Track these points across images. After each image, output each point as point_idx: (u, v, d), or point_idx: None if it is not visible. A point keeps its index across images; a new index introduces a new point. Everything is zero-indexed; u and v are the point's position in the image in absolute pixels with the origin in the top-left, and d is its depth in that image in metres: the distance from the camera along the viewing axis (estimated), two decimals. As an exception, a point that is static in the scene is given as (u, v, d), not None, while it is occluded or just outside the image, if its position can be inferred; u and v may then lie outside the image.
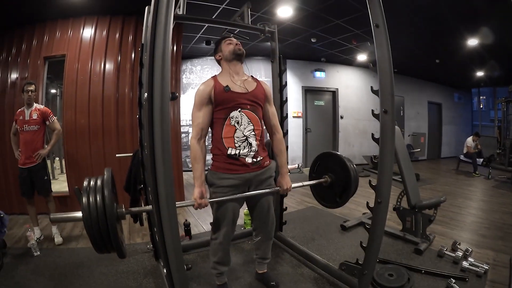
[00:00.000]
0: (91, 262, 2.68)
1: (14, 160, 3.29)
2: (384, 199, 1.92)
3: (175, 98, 1.40)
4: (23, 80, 3.86)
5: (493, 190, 5.47)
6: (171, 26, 1.37)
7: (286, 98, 2.85)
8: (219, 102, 1.85)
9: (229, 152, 1.86)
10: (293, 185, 2.14)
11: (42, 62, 4.17)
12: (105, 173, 1.43)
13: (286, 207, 3.05)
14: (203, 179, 1.84)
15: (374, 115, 1.90)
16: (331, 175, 2.27)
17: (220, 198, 1.87)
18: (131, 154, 2.58)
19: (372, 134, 1.95)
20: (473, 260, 2.45)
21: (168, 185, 1.37)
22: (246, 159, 1.88)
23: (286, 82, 2.78)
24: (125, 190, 2.50)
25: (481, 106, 11.57)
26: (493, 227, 3.42)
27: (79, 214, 1.30)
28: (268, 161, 2.04)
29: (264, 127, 2.06)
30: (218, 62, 2.05)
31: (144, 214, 2.41)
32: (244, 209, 3.24)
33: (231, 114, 1.86)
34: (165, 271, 1.52)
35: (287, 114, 2.79)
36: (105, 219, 1.28)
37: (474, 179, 6.62)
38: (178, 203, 1.62)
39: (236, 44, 1.98)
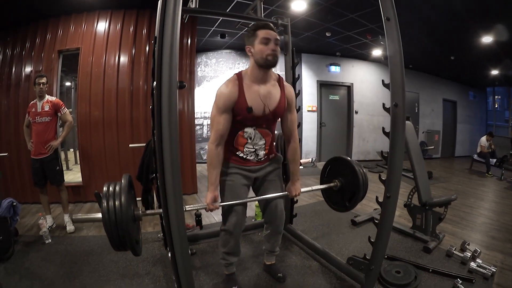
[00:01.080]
0: (101, 250, 2.74)
1: (28, 151, 3.36)
2: (393, 193, 1.92)
3: (183, 86, 1.41)
4: (37, 73, 3.92)
5: (506, 192, 5.35)
6: (179, 15, 1.38)
7: (299, 91, 2.86)
8: (238, 118, 1.86)
9: (237, 153, 1.95)
10: (303, 189, 2.16)
11: (56, 56, 4.24)
12: (123, 179, 1.53)
13: (297, 200, 3.06)
14: (217, 184, 1.88)
15: (385, 108, 1.89)
16: (341, 180, 2.28)
17: (230, 202, 1.91)
18: (144, 144, 2.62)
19: (383, 128, 1.94)
20: (481, 262, 2.41)
21: (175, 166, 1.41)
22: (252, 160, 1.99)
23: (299, 75, 2.78)
24: (137, 179, 2.54)
25: (496, 106, 11.31)
26: (503, 229, 3.36)
27: (99, 215, 1.42)
28: (273, 155, 2.09)
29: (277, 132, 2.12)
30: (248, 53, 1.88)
31: (155, 204, 2.46)
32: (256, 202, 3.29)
33: (246, 129, 1.91)
34: (169, 254, 1.55)
35: (299, 107, 2.80)
36: (122, 222, 1.39)
37: (487, 180, 6.51)
38: (189, 207, 1.69)
39: (273, 49, 1.77)
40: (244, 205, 2.00)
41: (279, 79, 1.98)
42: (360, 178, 2.15)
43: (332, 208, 2.44)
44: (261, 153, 1.98)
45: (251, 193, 2.10)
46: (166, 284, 2.25)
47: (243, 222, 2.02)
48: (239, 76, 1.86)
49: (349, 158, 2.28)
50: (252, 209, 3.64)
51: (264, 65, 1.80)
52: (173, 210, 1.46)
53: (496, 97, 11.26)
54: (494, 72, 8.59)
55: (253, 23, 1.83)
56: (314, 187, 2.25)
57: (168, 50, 1.36)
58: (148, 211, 1.64)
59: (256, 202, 3.16)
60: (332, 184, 2.27)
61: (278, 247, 2.33)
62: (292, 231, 3.04)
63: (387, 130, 1.91)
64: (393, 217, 2.00)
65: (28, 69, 4.18)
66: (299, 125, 2.24)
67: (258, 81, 1.86)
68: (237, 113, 1.83)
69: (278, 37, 1.79)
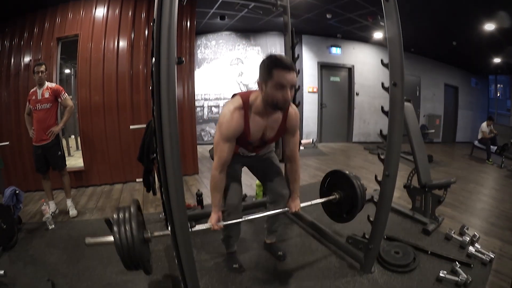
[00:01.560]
0: (104, 233, 2.73)
1: (29, 140, 3.37)
2: (392, 172, 1.93)
3: (181, 62, 1.41)
4: (36, 61, 3.90)
5: (506, 180, 5.34)
6: None
7: (299, 70, 2.85)
8: (238, 144, 1.89)
9: None
10: (303, 204, 2.16)
11: (55, 43, 4.22)
12: (132, 206, 1.59)
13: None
14: (220, 206, 1.93)
15: (384, 88, 1.89)
16: (340, 192, 2.30)
17: (232, 221, 1.96)
18: (145, 125, 2.63)
19: (382, 107, 1.95)
20: (479, 247, 2.41)
21: (173, 135, 1.41)
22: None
23: (298, 55, 2.77)
24: (138, 160, 2.56)
25: (498, 95, 11.24)
26: (502, 216, 3.34)
27: (111, 238, 1.50)
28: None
29: None
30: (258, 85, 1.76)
31: (157, 184, 2.48)
32: (256, 180, 3.30)
33: (241, 149, 2.01)
34: (169, 229, 1.58)
35: (299, 86, 2.79)
36: (134, 247, 1.48)
37: (487, 167, 6.49)
38: (195, 228, 1.71)
39: (286, 99, 1.64)
40: (240, 185, 2.08)
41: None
42: (358, 192, 2.18)
43: (330, 218, 2.47)
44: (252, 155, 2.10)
45: (252, 181, 2.12)
46: (168, 264, 2.29)
47: (240, 205, 2.08)
48: (245, 104, 1.78)
49: (347, 172, 2.30)
50: (253, 189, 3.67)
51: (273, 108, 1.72)
52: (172, 186, 1.46)
53: (498, 85, 11.19)
54: (497, 60, 8.53)
55: (271, 57, 1.64)
56: (314, 201, 2.26)
57: (166, 27, 1.35)
58: (156, 233, 1.68)
59: (258, 181, 3.18)
60: (331, 197, 2.30)
61: (279, 225, 2.37)
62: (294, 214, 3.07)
63: (387, 109, 1.92)
64: (392, 195, 2.02)
65: (27, 58, 4.16)
66: (299, 104, 2.24)
67: (264, 114, 1.81)
68: (238, 144, 1.89)
69: (295, 80, 1.65)
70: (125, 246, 1.46)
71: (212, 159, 1.92)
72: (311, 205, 2.22)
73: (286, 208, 2.11)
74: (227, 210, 2.00)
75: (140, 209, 1.68)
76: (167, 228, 2.56)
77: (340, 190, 2.29)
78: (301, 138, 2.45)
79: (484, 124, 7.40)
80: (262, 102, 1.74)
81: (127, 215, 1.54)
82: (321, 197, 2.38)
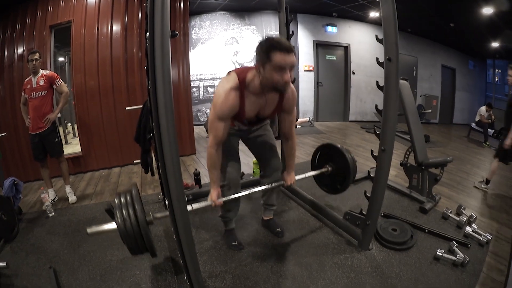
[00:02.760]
0: (103, 216, 2.72)
1: (26, 130, 3.35)
2: (388, 147, 1.94)
3: (175, 35, 1.39)
4: (30, 50, 3.85)
5: (502, 164, 5.37)
6: None
7: (294, 47, 2.83)
8: (234, 120, 1.93)
9: None
10: (297, 177, 2.19)
11: (48, 31, 4.14)
12: (133, 189, 1.57)
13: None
14: (219, 183, 1.94)
15: (378, 63, 1.89)
16: (332, 165, 2.33)
17: (231, 196, 1.96)
18: (141, 106, 2.61)
19: (377, 82, 1.95)
20: (476, 227, 2.42)
21: (169, 111, 1.39)
22: None
23: (293, 31, 2.76)
24: (135, 141, 2.55)
25: (496, 80, 11.19)
26: (499, 199, 3.33)
27: (113, 226, 1.48)
28: None
29: None
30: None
31: (154, 164, 2.48)
32: (253, 159, 3.30)
33: (236, 122, 2.01)
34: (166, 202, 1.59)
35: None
36: (139, 230, 1.46)
37: (484, 149, 6.48)
38: (196, 205, 1.74)
39: (286, 81, 1.60)
40: (238, 160, 2.11)
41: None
42: (349, 160, 2.21)
43: (324, 191, 2.50)
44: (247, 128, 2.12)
45: (249, 159, 2.12)
46: (168, 244, 2.32)
47: (238, 175, 2.12)
48: (241, 83, 1.73)
49: (338, 145, 2.33)
50: (250, 167, 3.69)
51: (271, 90, 1.71)
52: (170, 165, 1.46)
53: (496, 70, 11.13)
54: (495, 44, 8.47)
55: (269, 39, 1.61)
56: (308, 174, 2.30)
57: (159, 2, 1.33)
58: (158, 215, 1.66)
59: (254, 159, 3.19)
60: (323, 170, 2.33)
61: (276, 200, 2.39)
62: (289, 187, 3.07)
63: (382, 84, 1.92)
64: (388, 170, 2.03)
65: (20, 49, 4.08)
66: (295, 80, 2.22)
67: (261, 94, 1.79)
68: (234, 121, 1.94)
69: (295, 61, 1.62)
70: (129, 231, 1.45)
71: (207, 132, 1.93)
72: (305, 177, 2.26)
73: (282, 182, 2.14)
74: (227, 185, 2.03)
75: (139, 193, 1.68)
76: (166, 209, 2.60)
77: (331, 163, 2.33)
78: (298, 116, 2.44)
79: (483, 108, 7.39)
80: (259, 84, 1.69)
81: (128, 199, 1.53)
82: (314, 177, 2.41)
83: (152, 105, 1.42)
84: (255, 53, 1.65)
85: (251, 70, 1.74)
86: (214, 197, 1.86)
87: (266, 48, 1.57)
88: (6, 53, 4.05)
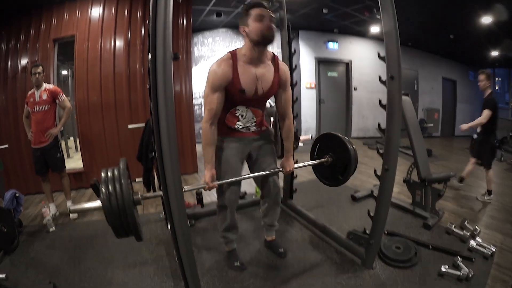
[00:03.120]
0: (105, 233, 2.76)
1: (28, 142, 3.36)
2: (391, 166, 1.93)
3: (177, 58, 1.40)
4: (33, 63, 3.87)
5: (505, 173, 5.34)
6: None
7: (295, 66, 2.85)
8: (231, 98, 1.85)
9: (230, 127, 1.97)
10: (296, 165, 2.19)
11: (52, 45, 4.20)
12: (121, 163, 1.48)
13: (296, 175, 3.10)
14: (213, 162, 1.90)
15: (381, 81, 1.89)
16: (332, 155, 2.27)
17: (227, 180, 1.93)
18: (143, 124, 2.62)
19: (380, 101, 1.94)
20: (480, 241, 2.41)
21: (171, 134, 1.40)
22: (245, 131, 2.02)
23: (295, 50, 2.78)
24: (137, 160, 2.55)
25: (496, 88, 11.21)
26: (503, 210, 3.33)
27: (98, 203, 1.39)
28: (265, 126, 2.12)
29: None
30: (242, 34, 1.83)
31: (156, 183, 2.47)
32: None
33: (238, 107, 1.91)
34: (169, 227, 1.56)
35: (296, 81, 2.79)
36: (124, 207, 1.36)
37: (486, 160, 6.50)
38: (188, 187, 1.68)
39: (268, 24, 1.72)
40: (237, 170, 2.06)
41: (274, 58, 1.94)
42: (351, 150, 2.15)
43: (325, 183, 2.43)
44: (252, 128, 2.02)
45: (246, 169, 2.12)
46: (169, 263, 2.29)
47: (237, 197, 2.08)
48: (233, 55, 1.81)
49: (338, 134, 2.27)
50: (252, 186, 3.64)
51: (262, 42, 1.74)
52: (171, 183, 1.45)
53: (496, 79, 11.16)
54: (494, 53, 8.51)
55: (247, 2, 1.77)
56: (307, 163, 2.27)
57: (162, 22, 1.34)
58: (148, 194, 1.60)
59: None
60: (323, 160, 2.27)
61: (277, 221, 2.36)
62: (292, 206, 3.08)
63: (384, 103, 1.91)
64: (391, 190, 2.02)
65: (24, 60, 4.14)
66: (297, 100, 2.23)
67: (253, 62, 1.82)
68: (229, 93, 1.82)
69: (273, 15, 1.75)
70: (114, 207, 1.35)
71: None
72: (305, 166, 2.26)
73: (280, 169, 2.12)
74: (223, 206, 2.05)
75: (128, 169, 1.57)
76: (168, 228, 2.58)
77: (331, 153, 2.27)
78: (300, 134, 2.46)
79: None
80: (249, 48, 1.78)
81: (116, 173, 1.43)
82: (313, 167, 2.37)
83: (154, 127, 1.43)
84: (239, 21, 1.80)
85: (241, 47, 1.85)
86: (207, 178, 1.83)
87: (245, 9, 1.76)
88: (10, 62, 4.12)
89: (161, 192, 1.54)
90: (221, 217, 2.13)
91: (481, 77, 3.78)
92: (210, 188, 1.84)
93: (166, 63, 1.35)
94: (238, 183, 2.06)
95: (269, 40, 1.75)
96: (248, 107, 1.93)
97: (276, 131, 2.65)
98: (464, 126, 3.49)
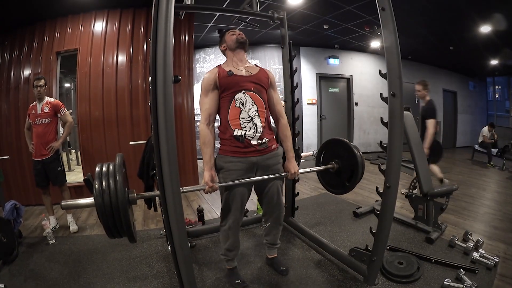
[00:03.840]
0: (105, 248, 2.75)
1: (29, 153, 3.38)
2: (393, 183, 1.92)
3: (177, 81, 1.42)
4: (36, 75, 3.91)
5: (507, 182, 5.34)
6: (172, 9, 1.41)
7: (297, 83, 2.86)
8: (224, 86, 1.90)
9: (235, 133, 1.89)
10: (301, 170, 2.16)
11: (55, 57, 4.25)
12: (117, 158, 1.45)
13: (298, 192, 3.09)
14: (213, 163, 1.90)
15: (382, 98, 1.90)
16: (338, 161, 2.25)
17: (229, 183, 1.90)
18: (145, 141, 2.62)
19: (381, 118, 1.95)
20: (484, 252, 2.42)
21: (171, 151, 1.41)
22: (252, 141, 1.91)
23: (296, 68, 2.78)
24: (138, 177, 2.54)
25: (496, 96, 11.26)
26: (506, 219, 3.34)
27: (90, 200, 1.32)
28: (275, 145, 2.06)
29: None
30: (223, 52, 2.10)
31: (157, 200, 2.46)
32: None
33: (236, 96, 1.90)
34: (169, 248, 1.54)
35: (298, 99, 2.80)
36: (117, 204, 1.29)
37: (488, 170, 6.49)
38: (189, 188, 1.67)
39: (239, 34, 2.05)
40: (243, 200, 2.02)
41: (256, 65, 2.13)
42: (358, 155, 2.14)
43: (330, 192, 2.40)
44: (259, 124, 1.92)
45: (253, 195, 2.12)
46: (170, 280, 2.26)
47: (241, 218, 2.07)
48: (218, 66, 2.00)
49: (344, 139, 2.27)
50: (254, 203, 3.65)
51: (238, 45, 2.01)
52: (170, 198, 1.45)
53: (496, 87, 11.22)
54: (494, 62, 8.57)
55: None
56: (313, 168, 2.25)
57: (162, 46, 1.37)
58: (144, 193, 1.57)
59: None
60: (329, 166, 2.25)
61: (279, 239, 2.35)
62: (293, 223, 3.06)
63: (386, 120, 1.92)
64: (393, 207, 2.01)
65: (27, 72, 4.19)
66: (299, 117, 2.24)
67: (236, 62, 2.02)
68: (221, 84, 1.90)
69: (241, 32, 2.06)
70: (107, 203, 1.28)
71: (217, 170, 1.93)
72: (310, 171, 2.24)
73: (286, 173, 2.09)
74: (226, 225, 2.03)
75: (125, 166, 1.53)
76: (168, 244, 2.56)
77: (337, 159, 2.25)
78: (301, 151, 2.45)
79: (486, 129, 7.42)
80: (230, 55, 2.04)
81: (111, 168, 1.37)
82: (318, 174, 2.35)
83: (155, 149, 1.43)
84: (219, 45, 2.13)
85: None
86: (207, 178, 1.82)
87: (222, 33, 2.12)
88: (12, 73, 4.17)
89: (157, 192, 1.52)
90: (223, 237, 2.12)
91: (418, 86, 3.86)
92: (210, 190, 1.83)
93: (166, 87, 1.36)
94: (242, 208, 2.04)
95: (243, 42, 2.02)
96: (244, 93, 1.91)
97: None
98: (425, 150, 3.50)
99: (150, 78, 1.41)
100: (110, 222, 1.32)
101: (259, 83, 1.98)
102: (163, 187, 1.45)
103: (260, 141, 1.93)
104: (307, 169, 2.22)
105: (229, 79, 1.90)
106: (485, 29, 5.88)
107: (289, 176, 2.10)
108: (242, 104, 1.90)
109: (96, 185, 1.30)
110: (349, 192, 2.32)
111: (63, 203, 1.37)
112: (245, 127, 1.90)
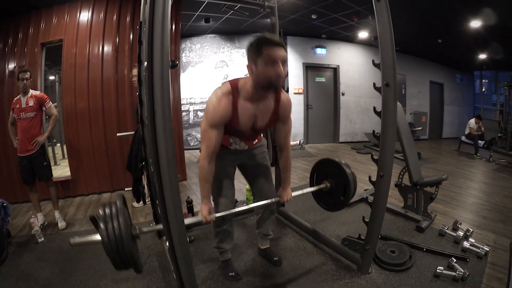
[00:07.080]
0: (95, 245, 2.68)
1: (14, 150, 3.28)
2: (386, 172, 1.93)
3: (175, 66, 1.36)
4: (21, 68, 3.78)
5: (494, 173, 5.43)
6: None
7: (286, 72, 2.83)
8: (228, 133, 1.82)
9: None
10: (294, 193, 2.12)
11: (40, 49, 4.11)
12: (118, 201, 1.50)
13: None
14: (210, 197, 1.90)
15: (376, 88, 1.89)
16: (330, 180, 2.24)
17: (223, 214, 1.89)
18: (132, 132, 2.57)
19: (374, 108, 1.94)
20: (474, 241, 2.46)
21: (169, 148, 1.36)
22: (239, 148, 2.01)
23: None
24: (127, 169, 2.50)
25: (483, 90, 11.47)
26: (494, 209, 3.40)
27: (97, 237, 1.40)
28: (258, 140, 2.10)
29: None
30: (247, 68, 1.69)
31: (146, 192, 2.42)
32: (246, 185, 3.25)
33: (231, 138, 1.92)
34: (167, 244, 1.52)
35: (287, 88, 2.78)
36: (122, 244, 1.38)
37: (475, 161, 6.59)
38: (187, 220, 1.67)
39: (279, 73, 1.57)
40: (233, 193, 2.05)
41: (277, 95, 1.84)
42: (349, 174, 2.11)
43: (326, 209, 2.37)
44: (245, 148, 2.03)
45: (242, 185, 2.08)
46: (162, 275, 2.24)
47: (232, 205, 2.09)
48: (234, 89, 1.70)
49: (333, 159, 2.25)
50: (243, 194, 3.63)
51: (266, 88, 1.64)
52: (169, 198, 1.42)
53: (483, 80, 11.40)
54: (482, 56, 8.68)
55: (258, 37, 1.60)
56: (305, 190, 2.22)
57: (159, 28, 1.29)
58: (145, 228, 1.59)
59: (247, 186, 3.14)
60: (322, 186, 2.24)
61: (272, 230, 2.34)
62: (285, 213, 3.05)
63: (379, 109, 1.91)
64: (387, 196, 2.03)
65: (11, 65, 4.04)
66: (288, 90, 2.21)
67: (254, 100, 1.73)
68: (227, 131, 1.79)
69: (286, 55, 1.60)
70: (113, 243, 1.37)
71: None
72: (303, 194, 2.19)
73: (278, 198, 2.08)
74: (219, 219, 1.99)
75: (126, 205, 1.59)
76: (159, 238, 2.53)
77: (330, 179, 2.24)
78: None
79: (473, 121, 7.53)
80: (252, 86, 1.67)
81: (114, 210, 1.44)
82: (312, 194, 2.33)
83: (151, 138, 1.38)
84: (246, 53, 1.66)
85: (243, 78, 1.75)
86: (205, 212, 1.80)
87: (257, 44, 1.57)
88: None
89: (157, 227, 1.54)
90: (215, 230, 2.10)
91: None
92: (207, 222, 1.81)
93: (163, 72, 1.30)
94: (232, 196, 2.05)
95: (274, 87, 1.64)
96: (241, 140, 1.94)
97: (268, 139, 2.62)
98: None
99: (145, 63, 1.33)
100: (117, 258, 1.40)
101: (261, 132, 1.99)
102: (160, 179, 1.41)
103: (246, 147, 2.02)
104: (300, 192, 2.18)
105: (236, 133, 1.84)
106: (475, 23, 5.94)
107: (281, 201, 2.09)
108: (235, 143, 1.96)
109: (102, 227, 1.40)
110: (344, 207, 2.31)
111: (71, 240, 1.43)
112: (235, 144, 1.97)
